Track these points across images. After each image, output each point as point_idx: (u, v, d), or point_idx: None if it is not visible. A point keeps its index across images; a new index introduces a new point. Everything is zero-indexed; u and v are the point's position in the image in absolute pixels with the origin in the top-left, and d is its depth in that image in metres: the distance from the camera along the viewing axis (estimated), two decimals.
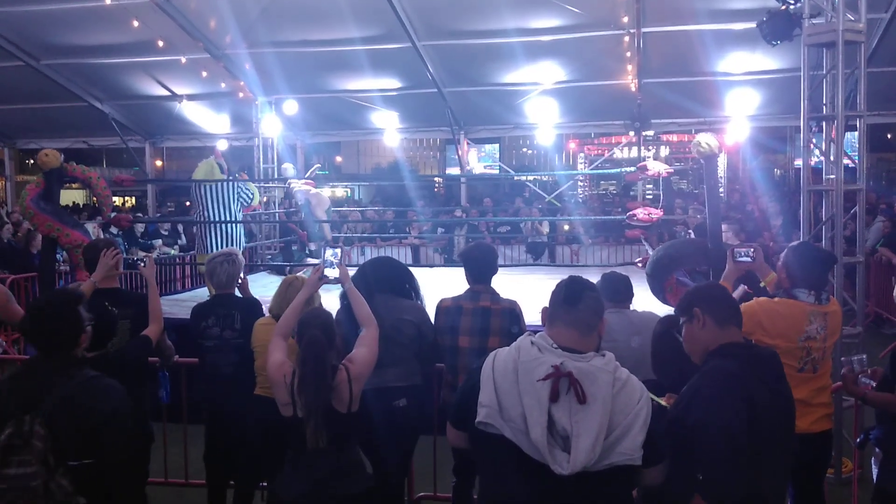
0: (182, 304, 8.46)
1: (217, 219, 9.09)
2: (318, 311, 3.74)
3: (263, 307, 4.81)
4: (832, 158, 5.92)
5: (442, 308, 4.57)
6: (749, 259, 4.22)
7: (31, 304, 3.06)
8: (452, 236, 13.54)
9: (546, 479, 2.25)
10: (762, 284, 4.27)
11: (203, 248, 9.28)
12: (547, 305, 2.56)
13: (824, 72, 6.01)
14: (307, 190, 10.38)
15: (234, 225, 9.30)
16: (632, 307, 4.56)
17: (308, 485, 3.38)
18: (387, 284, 4.47)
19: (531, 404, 2.28)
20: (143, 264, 4.45)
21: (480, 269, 4.57)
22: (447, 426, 2.66)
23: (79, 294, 3.11)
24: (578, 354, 2.38)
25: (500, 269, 4.67)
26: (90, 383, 2.83)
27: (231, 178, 9.51)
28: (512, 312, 4.47)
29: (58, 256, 7.91)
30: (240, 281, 4.93)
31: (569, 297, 2.50)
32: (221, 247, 8.73)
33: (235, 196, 9.26)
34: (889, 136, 25.50)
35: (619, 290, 4.50)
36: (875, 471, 4.12)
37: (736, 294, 4.28)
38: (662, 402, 2.88)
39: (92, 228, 9.59)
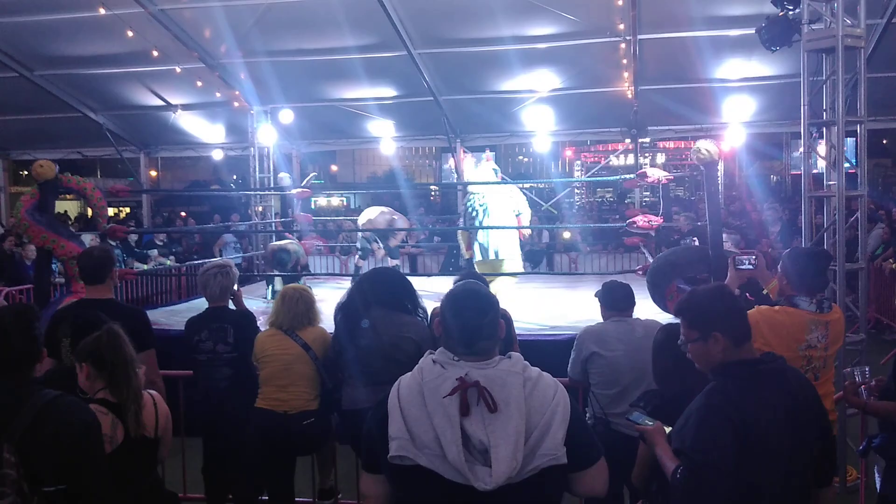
0: (178, 315, 8.40)
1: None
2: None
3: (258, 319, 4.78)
4: (833, 164, 5.90)
5: (435, 315, 4.54)
6: (751, 266, 4.18)
7: None
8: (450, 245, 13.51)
9: (469, 499, 2.13)
10: (765, 291, 4.24)
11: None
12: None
13: (823, 77, 6.01)
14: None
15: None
16: (634, 315, 4.53)
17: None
18: (385, 298, 4.35)
19: (442, 424, 2.15)
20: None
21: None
22: (362, 475, 2.44)
23: (33, 309, 2.86)
24: (483, 361, 2.27)
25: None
26: (56, 403, 2.62)
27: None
28: (504, 318, 4.43)
29: (53, 268, 7.84)
30: (232, 293, 4.89)
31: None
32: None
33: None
34: (885, 141, 25.58)
35: (621, 299, 4.48)
36: (878, 479, 4.09)
37: None
38: (650, 425, 2.84)
39: (90, 240, 9.53)
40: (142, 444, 3.10)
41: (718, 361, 2.70)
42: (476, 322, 2.31)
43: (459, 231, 9.13)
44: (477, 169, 9.49)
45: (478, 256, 8.75)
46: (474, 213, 8.85)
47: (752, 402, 2.60)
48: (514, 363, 2.29)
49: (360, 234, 11.12)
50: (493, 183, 9.08)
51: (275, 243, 10.04)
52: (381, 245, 11.24)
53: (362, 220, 10.74)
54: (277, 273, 9.73)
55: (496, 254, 8.71)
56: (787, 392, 2.70)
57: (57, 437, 2.56)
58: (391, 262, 10.96)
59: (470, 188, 9.26)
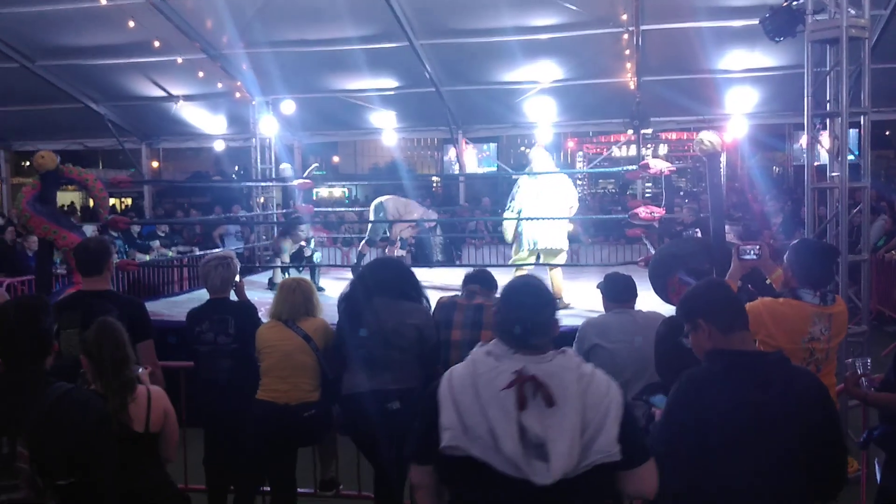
0: (180, 306, 8.40)
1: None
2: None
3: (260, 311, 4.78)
4: (836, 155, 5.88)
5: (439, 304, 4.66)
6: (755, 256, 4.17)
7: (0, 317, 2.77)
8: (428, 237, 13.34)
9: (523, 492, 2.13)
10: (768, 281, 4.23)
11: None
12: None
13: (826, 68, 5.98)
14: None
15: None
16: (636, 307, 4.52)
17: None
18: (386, 287, 4.39)
19: (497, 416, 2.15)
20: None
21: (483, 283, 4.81)
22: (411, 466, 2.44)
23: (45, 301, 2.88)
24: (539, 356, 2.27)
25: (499, 268, 4.75)
26: (69, 396, 2.63)
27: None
28: None
29: (54, 259, 7.84)
30: (235, 284, 4.88)
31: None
32: None
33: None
34: (887, 133, 25.52)
35: (623, 290, 4.47)
36: (878, 471, 4.09)
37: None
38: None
39: (91, 231, 9.53)
40: (129, 439, 3.07)
41: (708, 349, 2.70)
42: (535, 316, 2.32)
43: (505, 221, 8.89)
44: (535, 157, 8.94)
45: (526, 248, 8.44)
46: (514, 205, 8.56)
47: (717, 393, 2.58)
48: (569, 359, 2.30)
49: (371, 224, 11.06)
50: (496, 175, 8.98)
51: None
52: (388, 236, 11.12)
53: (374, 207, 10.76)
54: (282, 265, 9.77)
55: (560, 243, 8.47)
56: (766, 386, 2.62)
57: (69, 430, 2.56)
58: (397, 253, 10.98)
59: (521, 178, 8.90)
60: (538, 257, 8.47)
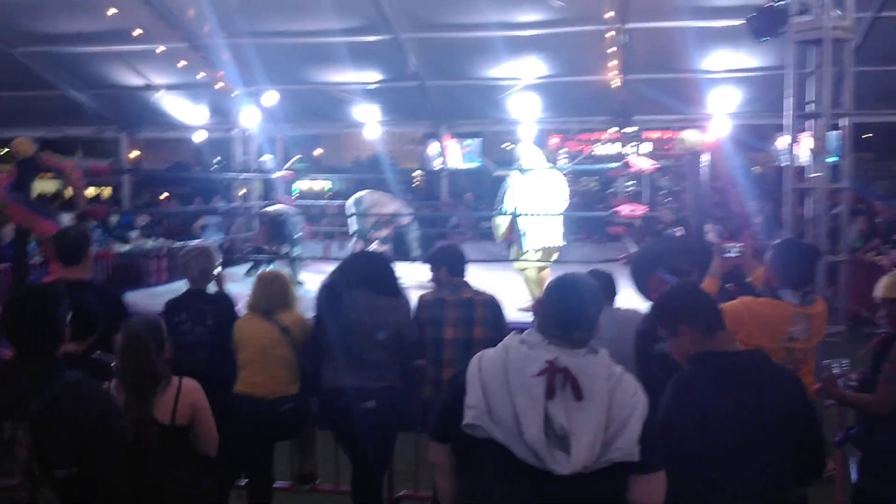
0: (159, 297, 8.30)
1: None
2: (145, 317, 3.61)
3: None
4: (816, 157, 5.91)
5: (423, 302, 4.56)
6: (736, 255, 4.19)
7: (8, 301, 2.75)
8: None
9: (539, 480, 2.16)
10: (749, 280, 4.24)
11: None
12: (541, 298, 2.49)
13: (809, 70, 6.01)
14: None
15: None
16: (616, 305, 4.52)
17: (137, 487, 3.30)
18: (367, 280, 4.39)
19: (524, 403, 2.18)
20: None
21: (457, 265, 4.63)
22: (430, 444, 2.52)
23: (60, 289, 2.85)
24: (573, 350, 2.30)
25: (480, 264, 4.70)
26: (76, 387, 2.61)
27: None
28: (495, 304, 4.50)
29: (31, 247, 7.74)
30: (215, 275, 4.84)
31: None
32: None
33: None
34: (866, 135, 25.71)
35: (604, 288, 4.45)
36: (854, 470, 4.11)
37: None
38: None
39: (68, 220, 9.42)
40: (154, 431, 3.19)
41: (691, 353, 2.72)
42: (578, 310, 2.36)
43: (498, 217, 8.71)
44: (524, 151, 8.71)
45: (527, 245, 8.21)
46: (506, 203, 8.34)
47: (713, 396, 2.60)
48: (601, 357, 2.33)
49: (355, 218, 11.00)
50: (478, 170, 8.93)
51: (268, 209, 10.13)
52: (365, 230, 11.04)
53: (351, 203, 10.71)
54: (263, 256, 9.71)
55: (556, 239, 8.30)
56: (757, 387, 2.67)
57: (72, 421, 2.53)
58: (381, 249, 10.93)
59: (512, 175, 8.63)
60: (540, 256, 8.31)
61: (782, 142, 17.89)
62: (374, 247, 10.77)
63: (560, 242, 8.32)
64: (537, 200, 8.17)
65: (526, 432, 2.15)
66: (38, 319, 2.65)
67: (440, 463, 2.46)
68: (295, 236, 10.14)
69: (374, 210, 10.56)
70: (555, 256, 8.37)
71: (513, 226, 8.37)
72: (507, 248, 8.61)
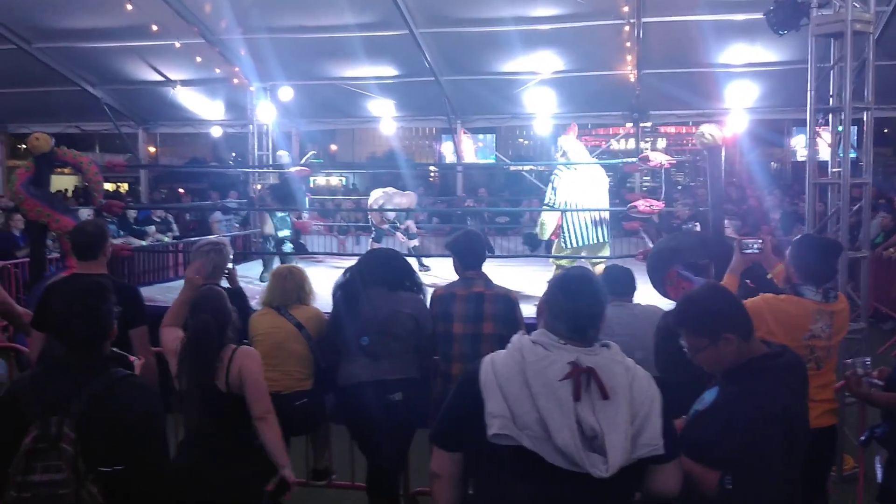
0: (174, 292, 8.32)
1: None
2: (210, 290, 3.73)
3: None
4: (839, 151, 5.85)
5: (436, 297, 4.52)
6: (757, 250, 4.14)
7: (58, 298, 2.77)
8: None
9: (571, 484, 2.12)
10: (769, 276, 4.19)
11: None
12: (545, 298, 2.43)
13: (829, 63, 5.94)
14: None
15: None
16: (634, 301, 4.50)
17: (189, 460, 3.34)
18: (382, 277, 4.37)
19: (550, 407, 2.13)
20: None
21: (471, 256, 4.52)
22: (433, 451, 2.41)
23: (107, 285, 2.85)
24: (588, 347, 2.26)
25: (497, 260, 4.63)
26: (122, 383, 2.61)
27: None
28: (507, 299, 4.41)
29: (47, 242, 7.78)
30: (227, 271, 4.84)
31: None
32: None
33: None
34: (886, 130, 25.50)
35: (622, 283, 4.44)
36: (879, 469, 4.06)
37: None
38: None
39: (87, 215, 9.47)
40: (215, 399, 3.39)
41: (731, 361, 2.63)
42: (592, 309, 2.31)
43: (543, 213, 8.60)
44: (570, 146, 8.60)
45: (574, 244, 8.18)
46: (560, 199, 8.23)
47: (788, 395, 2.54)
48: (615, 352, 2.30)
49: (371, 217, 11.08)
50: (494, 165, 8.89)
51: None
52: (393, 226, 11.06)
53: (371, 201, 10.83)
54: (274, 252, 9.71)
55: (603, 236, 8.28)
56: (806, 381, 2.69)
57: (116, 418, 2.53)
58: (410, 243, 10.99)
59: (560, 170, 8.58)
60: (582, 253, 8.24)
61: (797, 140, 17.70)
62: (404, 240, 10.80)
63: (605, 237, 8.23)
64: (585, 196, 8.08)
65: (557, 437, 2.10)
66: (85, 315, 2.65)
67: (446, 473, 2.38)
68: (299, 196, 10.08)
69: (389, 205, 10.61)
70: (603, 252, 8.26)
71: (561, 222, 8.27)
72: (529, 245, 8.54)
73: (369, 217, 11.10)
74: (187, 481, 3.22)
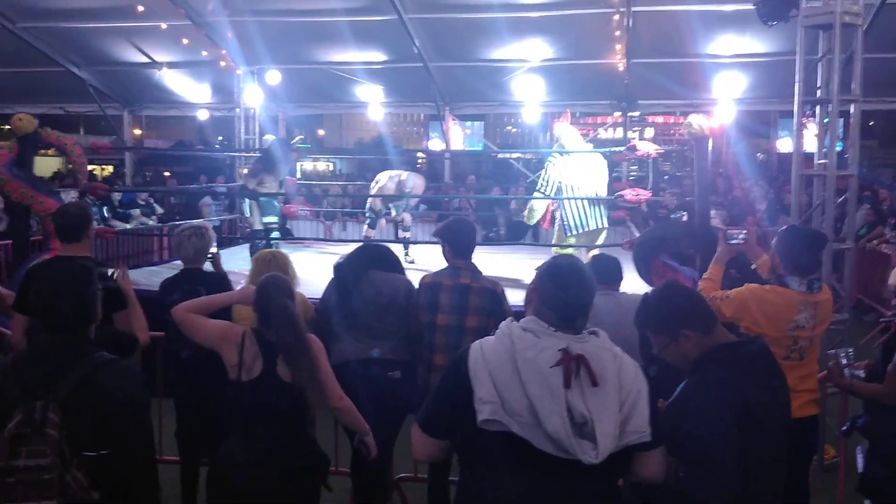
0: (159, 276, 8.28)
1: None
2: (276, 276, 3.67)
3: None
4: (825, 143, 5.87)
5: (423, 285, 4.51)
6: (742, 241, 4.15)
7: (42, 281, 2.71)
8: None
9: (560, 470, 2.15)
10: (753, 266, 4.21)
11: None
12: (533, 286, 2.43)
13: (817, 55, 5.95)
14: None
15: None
16: (621, 290, 4.50)
17: (254, 454, 3.28)
18: (376, 260, 4.54)
19: (540, 394, 2.13)
20: (117, 274, 3.97)
21: (460, 244, 4.50)
22: (416, 435, 2.41)
23: (92, 268, 2.80)
24: (577, 335, 2.27)
25: (482, 248, 4.65)
26: (107, 367, 2.56)
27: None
28: (493, 293, 4.39)
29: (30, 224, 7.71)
30: (211, 255, 4.81)
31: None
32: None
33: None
34: (871, 122, 25.63)
35: (609, 273, 4.43)
36: (860, 459, 4.10)
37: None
38: None
39: (70, 197, 9.39)
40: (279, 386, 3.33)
41: (695, 356, 2.66)
42: (581, 298, 2.32)
43: (535, 201, 8.55)
44: (563, 132, 8.50)
45: (574, 231, 8.11)
46: (552, 185, 8.18)
47: (747, 383, 2.55)
48: (603, 340, 2.31)
49: (370, 201, 10.94)
50: (482, 152, 8.88)
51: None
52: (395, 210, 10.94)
53: (374, 188, 10.68)
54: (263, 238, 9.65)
55: (601, 220, 8.22)
56: (774, 370, 2.68)
57: (101, 402, 2.50)
58: (403, 235, 10.89)
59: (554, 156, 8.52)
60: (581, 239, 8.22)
61: (783, 143, 17.70)
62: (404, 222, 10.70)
63: (603, 224, 8.21)
64: (582, 182, 8.04)
65: (546, 423, 2.11)
66: (71, 298, 2.61)
67: (432, 457, 2.44)
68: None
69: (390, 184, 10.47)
70: (599, 240, 8.25)
71: (552, 209, 8.24)
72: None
73: (369, 202, 10.89)
74: (249, 478, 3.24)
